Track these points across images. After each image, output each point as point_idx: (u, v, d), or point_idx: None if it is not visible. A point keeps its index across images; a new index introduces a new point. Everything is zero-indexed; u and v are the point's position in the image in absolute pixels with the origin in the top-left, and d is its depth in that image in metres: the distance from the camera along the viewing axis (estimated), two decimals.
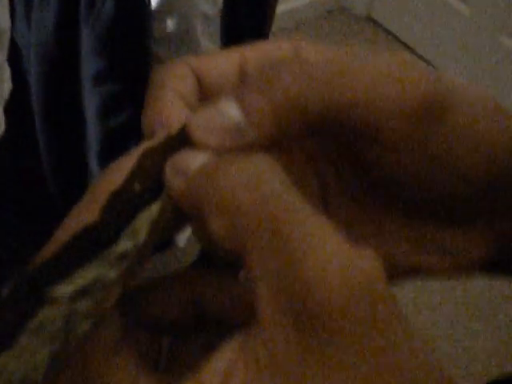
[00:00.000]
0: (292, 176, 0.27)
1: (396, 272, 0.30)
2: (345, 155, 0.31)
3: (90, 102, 0.92)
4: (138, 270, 0.26)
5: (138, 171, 0.26)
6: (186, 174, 0.25)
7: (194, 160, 0.26)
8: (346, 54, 0.29)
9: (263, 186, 0.24)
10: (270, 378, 0.22)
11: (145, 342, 0.28)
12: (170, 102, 0.29)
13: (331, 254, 0.22)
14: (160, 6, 0.88)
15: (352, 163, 0.31)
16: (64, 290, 0.23)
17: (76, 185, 0.99)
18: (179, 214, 0.26)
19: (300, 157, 0.32)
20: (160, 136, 0.27)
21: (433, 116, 0.27)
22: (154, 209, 0.26)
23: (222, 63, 0.31)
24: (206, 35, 0.93)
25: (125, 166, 0.26)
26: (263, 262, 0.23)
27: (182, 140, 0.27)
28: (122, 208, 0.25)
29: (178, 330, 0.29)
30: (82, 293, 0.23)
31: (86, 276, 0.24)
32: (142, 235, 0.25)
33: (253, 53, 0.31)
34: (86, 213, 0.25)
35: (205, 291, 0.29)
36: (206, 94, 0.31)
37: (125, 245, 0.25)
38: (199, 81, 0.30)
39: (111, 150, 0.96)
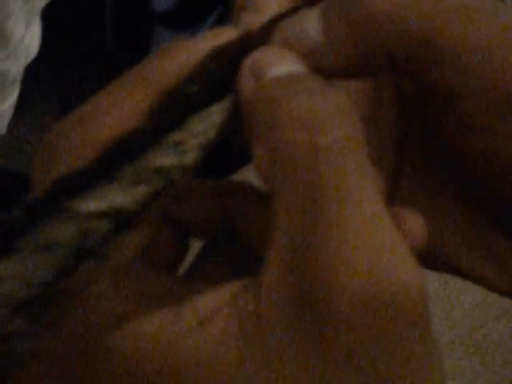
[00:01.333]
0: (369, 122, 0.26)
1: (436, 264, 0.27)
2: (419, 117, 0.27)
3: None
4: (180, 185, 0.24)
5: (200, 70, 0.22)
6: (261, 77, 0.22)
7: (276, 65, 0.22)
8: None
9: (323, 135, 0.20)
10: (248, 347, 0.20)
11: (168, 245, 0.26)
12: None
13: (364, 248, 0.20)
14: None
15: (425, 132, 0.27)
16: (86, 206, 0.20)
17: (135, 36, 1.05)
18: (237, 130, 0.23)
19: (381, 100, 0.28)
20: (242, 22, 0.24)
21: None
22: (212, 118, 0.22)
23: None
24: None
25: (183, 55, 0.23)
26: (286, 218, 0.20)
27: (264, 36, 0.24)
28: (171, 112, 0.22)
29: (207, 237, 0.27)
30: (104, 212, 0.21)
31: (113, 191, 0.21)
32: (190, 151, 0.22)
33: None
34: (126, 104, 0.22)
35: (235, 207, 0.26)
36: None
37: (166, 159, 0.21)
38: None
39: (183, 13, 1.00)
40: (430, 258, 0.26)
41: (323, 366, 0.20)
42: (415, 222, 0.22)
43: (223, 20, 1.04)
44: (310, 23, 0.23)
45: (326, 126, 0.21)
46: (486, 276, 0.26)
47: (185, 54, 0.23)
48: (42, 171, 0.22)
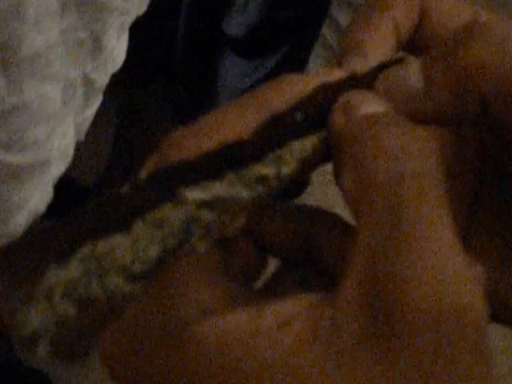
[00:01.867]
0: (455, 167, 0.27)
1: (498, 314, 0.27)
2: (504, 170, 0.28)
3: None
4: (266, 204, 0.26)
5: (306, 102, 0.25)
6: (352, 115, 0.25)
7: (365, 106, 0.25)
8: None
9: (407, 165, 0.22)
10: (324, 348, 0.22)
11: (250, 259, 0.28)
12: (382, 29, 0.28)
13: (436, 271, 0.21)
14: None
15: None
16: (195, 194, 0.23)
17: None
18: (326, 156, 0.26)
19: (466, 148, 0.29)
20: (349, 65, 0.27)
21: None
22: (309, 141, 0.25)
23: (455, 9, 0.29)
24: None
25: (293, 85, 0.25)
26: (367, 239, 0.22)
27: (367, 81, 0.26)
28: (278, 131, 0.24)
29: (285, 257, 0.29)
30: (210, 204, 0.23)
31: (219, 187, 0.23)
32: (288, 165, 0.24)
33: (486, 17, 0.28)
34: (236, 121, 0.24)
35: (317, 234, 0.28)
36: (425, 31, 0.29)
37: (268, 169, 0.24)
38: (423, 15, 0.29)
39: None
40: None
41: (388, 373, 0.21)
42: (477, 267, 0.23)
43: (290, 56, 1.06)
44: (412, 71, 0.26)
45: (411, 157, 0.23)
46: None
47: (296, 87, 0.25)
48: (160, 159, 0.24)
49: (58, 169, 0.63)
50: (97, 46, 0.63)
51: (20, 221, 0.61)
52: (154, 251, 0.22)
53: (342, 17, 1.01)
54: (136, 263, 0.22)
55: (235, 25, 1.07)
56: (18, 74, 0.54)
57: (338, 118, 0.25)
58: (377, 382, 0.21)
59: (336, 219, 0.29)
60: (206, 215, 0.23)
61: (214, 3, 1.08)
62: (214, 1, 1.09)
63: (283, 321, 0.23)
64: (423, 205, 0.22)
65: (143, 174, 0.23)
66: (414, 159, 0.23)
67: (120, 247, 0.21)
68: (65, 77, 0.60)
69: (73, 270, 0.20)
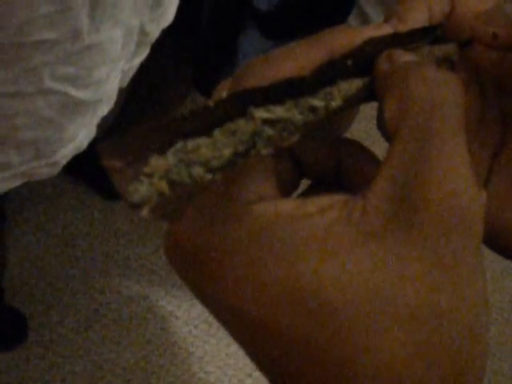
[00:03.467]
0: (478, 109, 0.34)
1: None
2: None
3: None
4: (316, 128, 0.31)
5: (356, 51, 0.31)
6: (393, 61, 0.31)
7: (404, 56, 0.31)
8: None
9: (438, 92, 0.28)
10: (363, 229, 0.27)
11: (289, 176, 0.33)
12: (419, 7, 0.33)
13: (451, 175, 0.27)
14: None
15: None
16: (261, 113, 0.29)
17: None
18: (369, 97, 0.31)
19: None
20: (393, 24, 0.32)
21: None
22: (354, 84, 0.31)
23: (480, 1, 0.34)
24: None
25: (348, 35, 0.31)
26: (400, 148, 0.27)
27: (404, 39, 0.32)
28: (331, 73, 0.30)
29: (317, 177, 0.34)
30: (272, 122, 0.29)
31: (280, 111, 0.29)
32: (336, 101, 0.30)
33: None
34: (300, 57, 0.30)
35: (346, 155, 0.33)
36: (455, 18, 0.34)
37: (319, 101, 0.30)
38: (454, 4, 0.34)
39: None
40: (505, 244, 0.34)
41: (408, 251, 0.26)
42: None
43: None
44: (509, 6, 0.32)
45: (442, 89, 0.28)
46: None
47: (351, 36, 0.31)
48: (234, 83, 0.30)
49: (103, 110, 0.68)
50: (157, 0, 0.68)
51: (66, 152, 0.66)
52: (227, 152, 0.28)
53: (370, 9, 1.06)
54: (214, 160, 0.28)
55: (264, 2, 1.11)
56: (100, 17, 0.59)
57: (383, 64, 0.31)
58: (397, 258, 0.26)
59: (364, 148, 0.34)
60: (268, 130, 0.29)
61: None
62: None
63: (322, 208, 0.27)
64: (451, 127, 0.27)
65: (224, 93, 0.29)
66: (444, 90, 0.28)
67: (203, 146, 0.28)
68: (127, 24, 0.65)
69: (169, 159, 0.27)
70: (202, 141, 0.28)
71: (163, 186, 0.27)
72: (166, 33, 0.75)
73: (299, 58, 0.30)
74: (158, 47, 0.77)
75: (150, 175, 0.27)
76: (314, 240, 0.27)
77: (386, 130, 0.29)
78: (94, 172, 1.57)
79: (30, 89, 0.60)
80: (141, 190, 0.26)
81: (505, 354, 1.79)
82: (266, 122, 0.29)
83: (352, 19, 1.07)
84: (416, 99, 0.28)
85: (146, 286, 1.55)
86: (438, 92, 0.28)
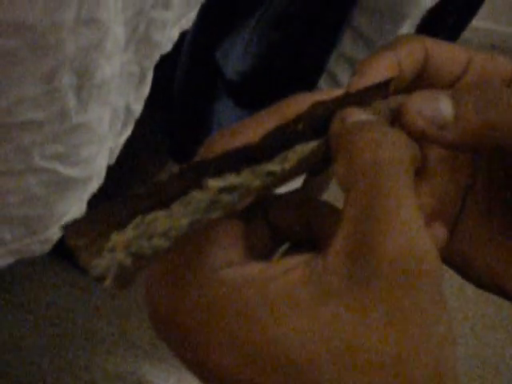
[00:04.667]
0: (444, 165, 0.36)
1: (474, 278, 0.37)
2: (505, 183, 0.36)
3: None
4: (273, 190, 0.32)
5: (307, 114, 0.32)
6: (346, 121, 0.32)
7: (356, 115, 0.32)
8: None
9: (385, 154, 0.29)
10: (322, 287, 0.28)
11: (263, 239, 0.35)
12: (383, 59, 0.34)
13: (401, 228, 0.28)
14: None
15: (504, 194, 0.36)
16: (216, 183, 0.30)
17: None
18: (326, 160, 0.32)
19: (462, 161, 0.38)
20: (348, 83, 0.34)
21: None
22: (308, 147, 0.32)
23: (454, 52, 0.35)
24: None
25: (301, 101, 0.33)
26: (352, 208, 0.29)
27: (358, 97, 0.33)
28: (283, 138, 0.32)
29: (292, 239, 0.36)
30: (228, 189, 0.30)
31: (236, 179, 0.31)
32: (291, 163, 0.31)
33: (479, 57, 0.36)
34: (254, 127, 0.32)
35: (316, 215, 0.35)
36: (427, 73, 0.35)
37: (274, 166, 0.31)
38: (427, 58, 0.35)
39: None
40: (478, 277, 0.37)
41: (365, 301, 0.28)
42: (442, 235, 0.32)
43: None
44: (443, 103, 0.32)
45: (387, 149, 0.30)
46: None
47: (302, 102, 0.33)
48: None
49: (94, 186, 0.70)
50: (142, 80, 0.72)
51: (58, 229, 0.68)
52: (185, 222, 0.30)
53: (340, 71, 1.09)
54: (172, 230, 0.29)
55: (232, 71, 1.14)
56: (87, 97, 0.62)
57: (335, 124, 0.32)
58: (356, 313, 0.28)
59: (332, 207, 0.36)
60: (225, 198, 0.30)
61: (214, 47, 1.15)
62: (214, 44, 1.15)
63: (288, 269, 0.29)
64: (394, 181, 0.29)
65: (176, 168, 0.32)
66: (390, 149, 0.30)
67: (161, 219, 0.30)
68: (114, 104, 0.68)
69: (129, 233, 0.29)
70: (160, 214, 0.30)
71: (123, 258, 0.29)
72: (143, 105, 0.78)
73: (255, 128, 0.32)
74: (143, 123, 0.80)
75: (111, 250, 0.29)
76: (277, 301, 0.29)
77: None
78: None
79: (20, 167, 0.63)
80: (103, 263, 0.28)
81: None
82: (222, 190, 0.31)
83: (322, 82, 1.10)
84: (362, 161, 0.30)
85: (132, 362, 1.55)
86: (383, 153, 0.29)
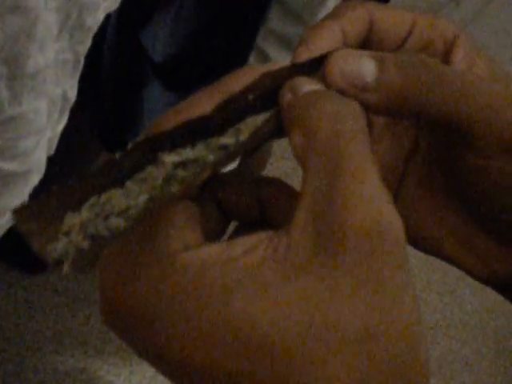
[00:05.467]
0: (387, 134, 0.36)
1: (424, 245, 0.37)
2: (443, 153, 0.36)
3: None
4: (228, 164, 0.32)
5: (256, 85, 0.32)
6: (297, 92, 0.32)
7: (306, 85, 0.32)
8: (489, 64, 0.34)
9: (342, 124, 0.29)
10: (287, 263, 0.28)
11: (215, 221, 0.35)
12: (327, 29, 0.34)
13: (366, 200, 0.28)
14: None
15: (446, 161, 0.36)
16: (171, 158, 0.30)
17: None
18: (277, 129, 0.32)
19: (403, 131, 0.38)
20: (296, 54, 0.34)
21: None
22: (260, 119, 0.32)
23: (398, 16, 0.36)
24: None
25: (248, 74, 0.32)
26: (312, 180, 0.29)
27: (305, 68, 0.33)
28: (234, 110, 0.31)
29: (243, 218, 0.36)
30: (183, 164, 0.30)
31: (189, 153, 0.30)
32: (244, 135, 0.31)
33: (423, 20, 0.36)
34: (203, 102, 0.31)
35: (268, 193, 0.35)
36: (372, 38, 0.36)
37: (228, 139, 0.31)
38: (371, 24, 0.35)
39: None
40: (419, 241, 0.37)
41: (333, 273, 0.27)
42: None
43: None
44: (366, 65, 0.32)
45: (347, 121, 0.30)
46: (466, 263, 0.37)
47: (249, 75, 0.33)
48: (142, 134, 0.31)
49: (34, 180, 0.69)
50: (76, 66, 0.70)
51: (0, 226, 0.66)
52: (142, 199, 0.29)
53: (269, 47, 1.09)
54: (130, 209, 0.29)
55: (160, 53, 1.12)
56: (20, 88, 0.60)
57: (286, 96, 0.32)
58: (325, 287, 0.27)
59: (283, 184, 0.35)
60: (180, 173, 0.30)
61: (138, 29, 1.13)
62: (139, 26, 1.13)
63: (247, 249, 0.29)
64: (356, 153, 0.29)
65: (129, 145, 0.30)
66: (349, 120, 0.30)
67: (117, 198, 0.29)
68: (51, 94, 0.67)
69: (84, 215, 0.29)
70: (115, 192, 0.29)
71: (80, 241, 0.28)
72: None
73: (203, 103, 0.32)
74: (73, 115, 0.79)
75: (67, 233, 0.28)
76: (242, 282, 0.28)
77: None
78: (11, 247, 1.54)
79: None
80: (59, 248, 0.27)
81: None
82: (177, 165, 0.30)
83: (252, 60, 1.10)
84: (319, 132, 0.29)
85: (82, 359, 1.53)
86: (343, 125, 0.29)
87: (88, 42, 0.70)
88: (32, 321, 1.56)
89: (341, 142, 0.29)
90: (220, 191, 0.35)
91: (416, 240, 0.37)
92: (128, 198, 0.29)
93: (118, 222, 0.29)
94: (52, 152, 0.73)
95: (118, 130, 1.16)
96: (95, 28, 0.70)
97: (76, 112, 0.78)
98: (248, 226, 0.36)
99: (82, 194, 0.29)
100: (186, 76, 1.12)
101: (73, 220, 0.28)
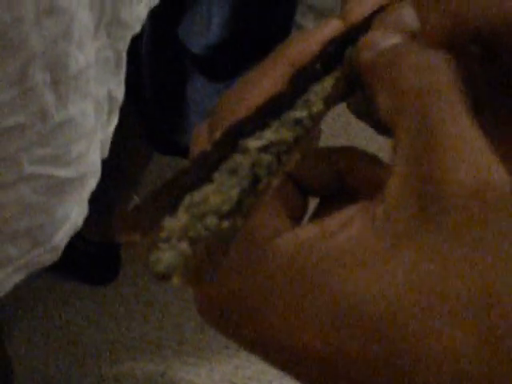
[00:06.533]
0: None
1: None
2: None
3: None
4: (312, 138, 0.31)
5: (323, 53, 0.31)
6: (376, 49, 0.30)
7: (386, 39, 0.30)
8: None
9: (432, 78, 0.28)
10: (390, 233, 0.26)
11: (294, 200, 0.33)
12: None
13: (468, 155, 0.26)
14: None
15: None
16: (253, 143, 0.29)
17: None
18: (349, 89, 0.32)
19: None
20: (349, 12, 0.32)
21: None
22: (328, 83, 0.31)
23: None
24: None
25: (305, 41, 0.31)
26: (407, 142, 0.27)
27: (365, 27, 0.32)
28: (303, 82, 0.31)
29: (322, 193, 0.34)
30: (266, 148, 0.29)
31: (269, 134, 0.29)
32: (316, 106, 0.30)
33: None
34: (268, 78, 0.31)
35: (346, 164, 0.34)
36: None
37: (300, 112, 0.30)
38: None
39: None
40: None
41: (440, 239, 0.26)
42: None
43: None
44: (405, 11, 0.31)
45: (434, 74, 0.28)
46: None
47: (306, 41, 0.31)
48: (215, 123, 0.31)
49: (91, 184, 0.68)
50: (119, 63, 0.69)
51: (63, 235, 0.66)
52: (234, 192, 0.28)
53: (308, 22, 1.08)
54: (224, 204, 0.27)
55: (198, 45, 1.12)
56: (65, 91, 0.59)
57: (364, 54, 0.30)
58: (432, 254, 0.26)
59: (361, 152, 0.34)
60: (265, 157, 0.29)
61: (174, 23, 1.12)
62: (175, 20, 1.13)
63: (342, 223, 0.28)
64: (447, 110, 0.27)
65: (217, 134, 0.30)
66: (437, 73, 0.28)
67: (210, 194, 0.28)
68: (95, 94, 0.66)
69: (181, 218, 0.27)
70: (207, 188, 0.28)
71: (183, 246, 0.26)
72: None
73: (267, 78, 0.31)
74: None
75: (167, 239, 0.26)
76: (345, 257, 0.27)
77: (380, 123, 0.29)
78: (75, 261, 1.56)
79: (10, 178, 0.60)
80: (163, 257, 0.26)
81: None
82: (260, 150, 0.29)
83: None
84: (410, 90, 0.28)
85: (160, 363, 1.54)
86: (430, 78, 0.28)
87: (127, 38, 0.69)
88: (105, 332, 1.57)
89: (433, 98, 0.27)
90: (296, 169, 0.33)
91: None
92: (220, 193, 0.28)
93: (214, 221, 0.27)
94: (106, 155, 0.72)
95: (166, 130, 1.16)
96: (134, 24, 0.69)
97: (124, 114, 0.77)
98: (329, 203, 0.34)
99: (176, 195, 0.28)
100: (228, 65, 1.11)
101: (171, 224, 0.27)
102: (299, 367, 0.29)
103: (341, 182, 0.34)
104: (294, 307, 0.27)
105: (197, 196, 0.28)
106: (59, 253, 0.67)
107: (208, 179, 0.28)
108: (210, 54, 1.10)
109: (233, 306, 0.29)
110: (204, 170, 0.29)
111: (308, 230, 0.28)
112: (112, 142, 0.75)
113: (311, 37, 0.31)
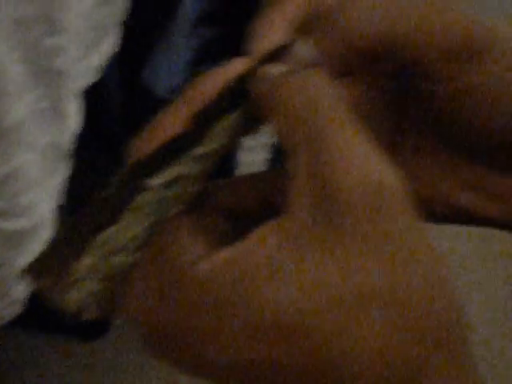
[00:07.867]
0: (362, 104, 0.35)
1: (441, 208, 0.36)
2: (407, 94, 0.35)
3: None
4: (214, 168, 0.32)
5: (225, 91, 0.32)
6: (268, 78, 0.32)
7: (275, 69, 0.32)
8: None
9: (315, 95, 0.30)
10: (296, 243, 0.28)
11: (220, 225, 0.34)
12: (275, 22, 0.34)
13: (355, 159, 0.28)
14: None
15: (414, 100, 0.35)
16: (157, 181, 0.30)
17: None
18: (253, 122, 0.33)
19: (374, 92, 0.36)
20: (256, 52, 0.33)
21: (471, 54, 0.32)
22: (233, 118, 0.32)
23: None
24: None
25: (217, 79, 0.33)
26: (300, 158, 0.29)
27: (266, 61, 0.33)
28: (208, 119, 0.32)
29: (248, 217, 0.35)
30: (171, 183, 0.30)
31: (174, 171, 0.31)
32: (222, 139, 0.32)
33: None
34: (177, 115, 0.32)
35: (274, 189, 0.35)
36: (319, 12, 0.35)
37: (207, 147, 0.31)
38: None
39: None
40: (433, 203, 0.36)
41: (336, 243, 0.28)
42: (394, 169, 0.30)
43: None
44: (304, 46, 0.33)
45: (316, 91, 0.30)
46: (478, 206, 0.35)
47: (214, 80, 0.33)
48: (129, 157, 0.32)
49: (43, 236, 0.69)
50: (59, 113, 0.70)
51: (22, 287, 0.66)
52: (140, 229, 0.30)
53: None
54: (130, 242, 0.29)
55: (166, 87, 1.12)
56: (6, 144, 0.61)
57: (258, 85, 0.32)
58: (333, 258, 0.28)
59: (279, 172, 0.35)
60: (170, 192, 0.31)
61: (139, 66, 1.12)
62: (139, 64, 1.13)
63: (258, 240, 0.29)
64: (338, 122, 0.29)
65: (113, 180, 0.31)
66: (320, 90, 0.30)
67: (114, 234, 0.29)
68: (38, 144, 0.67)
69: (88, 259, 0.29)
70: (113, 229, 0.30)
71: (93, 285, 0.28)
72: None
73: (172, 118, 0.32)
74: None
75: (76, 281, 0.28)
76: (259, 273, 0.29)
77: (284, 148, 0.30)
78: (61, 319, 1.54)
79: None
80: (73, 297, 0.28)
81: None
82: (165, 185, 0.31)
83: None
84: (296, 107, 0.30)
85: None
86: (313, 95, 0.30)
87: (67, 87, 0.70)
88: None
89: (315, 113, 0.30)
90: (220, 196, 0.35)
91: (432, 205, 0.36)
92: (126, 232, 0.30)
93: (122, 258, 0.29)
94: (62, 201, 0.73)
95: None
96: (77, 72, 0.70)
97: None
98: (249, 222, 0.35)
99: (82, 238, 0.29)
100: None
101: (78, 266, 0.29)
102: (237, 381, 0.30)
103: (265, 205, 0.35)
104: (216, 328, 0.29)
105: (102, 238, 0.29)
106: (21, 306, 0.67)
107: (114, 221, 0.30)
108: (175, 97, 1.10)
109: (166, 334, 0.30)
110: (109, 211, 0.30)
111: (223, 253, 0.30)
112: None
113: (216, 76, 0.33)
